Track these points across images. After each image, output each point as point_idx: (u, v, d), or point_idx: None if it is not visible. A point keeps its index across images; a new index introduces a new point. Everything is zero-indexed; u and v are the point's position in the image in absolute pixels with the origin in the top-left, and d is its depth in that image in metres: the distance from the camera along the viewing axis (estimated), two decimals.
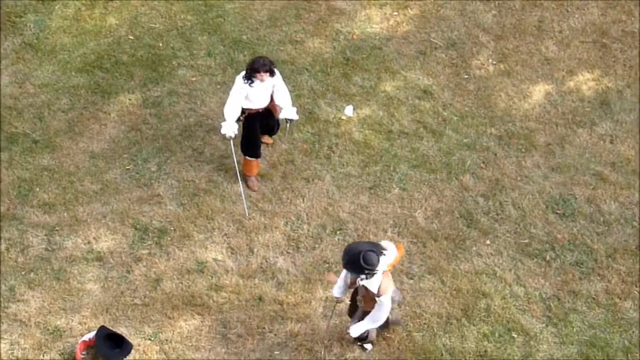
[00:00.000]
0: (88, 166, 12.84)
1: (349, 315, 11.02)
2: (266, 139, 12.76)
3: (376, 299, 10.18)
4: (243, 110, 12.03)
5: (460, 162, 12.84)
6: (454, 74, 13.78)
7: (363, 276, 9.98)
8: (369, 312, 10.44)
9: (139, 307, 11.55)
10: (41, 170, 12.78)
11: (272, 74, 11.80)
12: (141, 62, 13.91)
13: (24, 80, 13.70)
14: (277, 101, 12.10)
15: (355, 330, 10.56)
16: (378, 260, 9.83)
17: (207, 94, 13.54)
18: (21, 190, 12.57)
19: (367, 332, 10.78)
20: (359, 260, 9.77)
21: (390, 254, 10.06)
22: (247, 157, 12.37)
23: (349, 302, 10.96)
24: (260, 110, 12.09)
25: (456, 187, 12.61)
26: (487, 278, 11.78)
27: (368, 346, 11.17)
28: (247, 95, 11.88)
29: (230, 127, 11.90)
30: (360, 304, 10.58)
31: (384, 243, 10.17)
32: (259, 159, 12.45)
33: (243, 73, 11.84)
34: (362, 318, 10.55)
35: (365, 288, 10.17)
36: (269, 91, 11.99)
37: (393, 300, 10.32)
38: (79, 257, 11.96)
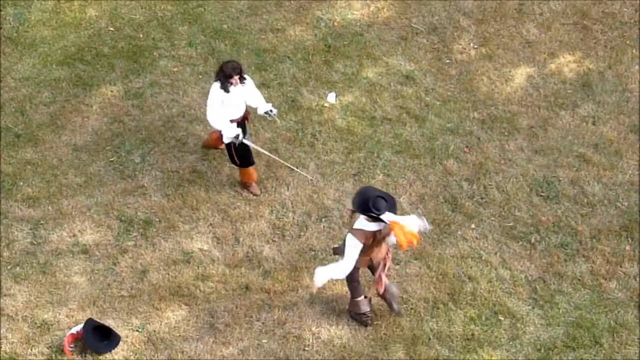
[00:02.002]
0: (71, 159, 12.81)
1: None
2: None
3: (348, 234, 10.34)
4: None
5: (444, 146, 12.86)
6: (435, 59, 13.79)
7: (361, 218, 10.24)
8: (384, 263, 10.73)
9: (126, 299, 11.54)
10: (24, 164, 12.74)
11: (242, 78, 11.64)
12: (122, 54, 13.87)
13: (4, 75, 13.65)
14: (252, 103, 11.96)
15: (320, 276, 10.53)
16: (385, 208, 10.05)
17: (189, 84, 13.51)
18: (5, 184, 12.53)
19: (360, 311, 11.02)
20: (367, 201, 10.05)
21: (407, 220, 10.25)
22: (246, 167, 12.19)
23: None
24: (239, 120, 11.90)
25: (440, 172, 12.63)
26: (472, 262, 11.81)
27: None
28: (224, 104, 11.65)
29: (233, 131, 11.69)
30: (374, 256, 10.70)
31: (412, 216, 10.45)
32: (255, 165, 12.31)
33: (216, 83, 11.60)
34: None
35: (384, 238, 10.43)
36: (244, 96, 11.83)
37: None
38: (64, 250, 11.94)
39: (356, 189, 12.34)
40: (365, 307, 11.16)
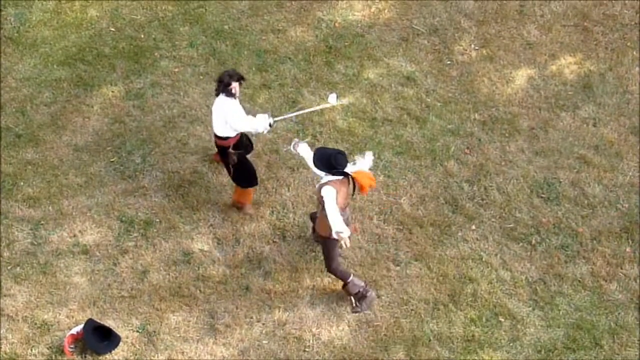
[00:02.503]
0: (72, 159, 12.81)
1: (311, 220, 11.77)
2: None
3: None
4: (225, 138, 11.64)
5: (445, 148, 12.86)
6: (436, 60, 13.79)
7: (328, 175, 10.81)
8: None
9: (126, 299, 11.54)
10: (25, 164, 12.75)
11: (242, 83, 11.54)
12: (123, 54, 13.87)
13: (5, 75, 13.65)
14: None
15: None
16: (346, 163, 10.77)
17: (190, 85, 13.51)
18: (5, 184, 12.53)
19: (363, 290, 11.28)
20: (329, 159, 10.71)
21: (362, 164, 11.02)
22: (247, 188, 12.04)
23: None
24: (239, 134, 11.75)
25: (441, 173, 12.63)
26: (473, 263, 11.81)
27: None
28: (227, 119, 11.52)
29: (264, 120, 11.55)
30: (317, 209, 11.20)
31: (363, 156, 11.18)
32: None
33: (222, 96, 11.45)
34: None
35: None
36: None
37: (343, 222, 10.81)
38: (65, 250, 11.94)
39: (357, 189, 12.36)
40: (360, 282, 11.29)
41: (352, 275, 11.28)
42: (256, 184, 12.04)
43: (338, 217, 10.63)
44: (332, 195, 10.65)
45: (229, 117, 11.45)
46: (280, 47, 13.91)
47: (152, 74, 13.62)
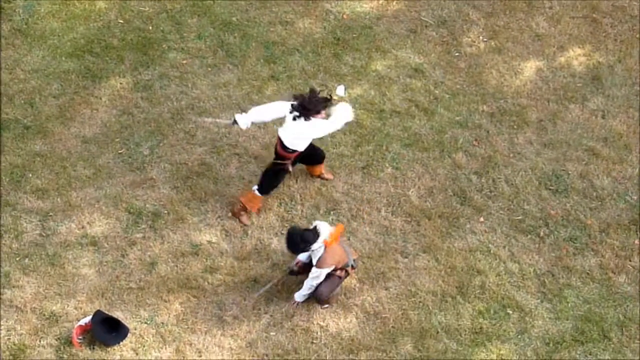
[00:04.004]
0: (80, 151, 12.82)
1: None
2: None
3: (313, 268, 11.02)
4: (294, 151, 11.59)
5: (453, 140, 12.84)
6: (444, 52, 13.77)
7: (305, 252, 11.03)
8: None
9: (135, 291, 11.56)
10: (33, 156, 12.76)
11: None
12: (131, 46, 13.87)
13: (14, 66, 13.66)
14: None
15: (298, 296, 11.30)
16: (314, 238, 10.84)
17: (198, 77, 13.51)
18: (14, 176, 12.55)
19: (324, 296, 11.32)
20: (297, 240, 10.81)
21: (324, 232, 10.95)
22: (261, 194, 11.95)
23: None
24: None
25: (449, 165, 12.62)
26: (481, 255, 11.80)
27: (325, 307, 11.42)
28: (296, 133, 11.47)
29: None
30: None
31: (318, 223, 11.07)
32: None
33: (311, 119, 11.29)
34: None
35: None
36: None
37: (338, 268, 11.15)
38: (73, 242, 11.96)
39: (365, 181, 12.37)
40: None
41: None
42: (268, 195, 11.99)
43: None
44: (322, 274, 11.05)
45: (318, 133, 11.48)
46: (288, 39, 13.90)
47: (160, 66, 13.63)
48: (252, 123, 11.58)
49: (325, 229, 10.98)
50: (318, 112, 11.25)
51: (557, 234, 11.98)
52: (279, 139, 11.56)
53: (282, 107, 11.42)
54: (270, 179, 11.85)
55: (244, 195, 12.03)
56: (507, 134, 12.90)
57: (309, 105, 11.18)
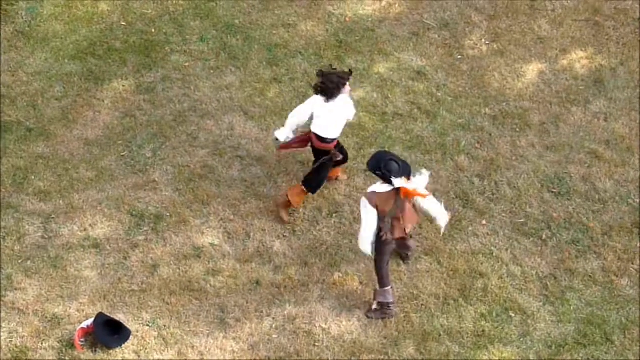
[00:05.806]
0: (83, 153, 12.83)
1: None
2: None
3: (364, 195, 10.85)
4: (332, 141, 11.69)
5: (455, 142, 12.84)
6: (447, 55, 13.77)
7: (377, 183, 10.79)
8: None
9: (137, 293, 11.56)
10: (36, 158, 12.77)
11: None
12: (134, 49, 13.88)
13: (16, 69, 13.68)
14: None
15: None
16: (397, 172, 10.61)
17: (200, 79, 13.52)
18: (16, 178, 12.56)
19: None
20: (380, 162, 10.66)
21: (415, 179, 10.79)
22: (308, 190, 11.92)
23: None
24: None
25: (451, 168, 12.62)
26: (483, 258, 11.80)
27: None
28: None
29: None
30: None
31: (423, 171, 10.99)
32: None
33: (336, 99, 11.44)
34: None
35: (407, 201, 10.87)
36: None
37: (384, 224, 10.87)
38: (75, 244, 11.97)
39: (367, 185, 12.35)
40: (391, 297, 11.16)
41: (390, 286, 11.22)
42: (314, 192, 12.00)
43: (363, 237, 10.88)
44: (363, 208, 10.77)
45: (351, 112, 11.65)
46: (290, 42, 13.91)
47: (162, 68, 13.64)
48: (292, 131, 11.75)
49: (420, 180, 10.85)
50: (343, 86, 11.38)
51: (560, 237, 11.97)
52: (314, 135, 11.63)
53: (311, 101, 11.57)
54: (319, 175, 11.86)
55: (291, 189, 12.02)
56: (509, 137, 12.89)
57: (330, 85, 11.33)
